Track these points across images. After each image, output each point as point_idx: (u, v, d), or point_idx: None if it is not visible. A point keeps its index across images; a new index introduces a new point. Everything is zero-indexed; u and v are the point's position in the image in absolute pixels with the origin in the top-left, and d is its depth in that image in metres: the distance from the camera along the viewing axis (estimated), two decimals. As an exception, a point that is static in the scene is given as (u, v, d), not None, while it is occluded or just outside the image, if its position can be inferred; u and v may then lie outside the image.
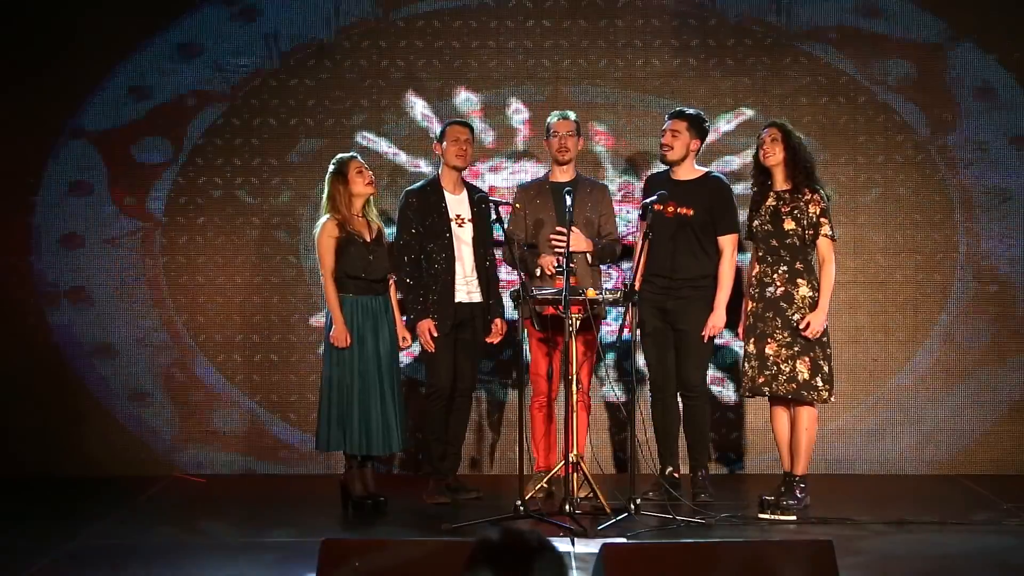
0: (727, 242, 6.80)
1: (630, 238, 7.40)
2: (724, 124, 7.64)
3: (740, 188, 7.24)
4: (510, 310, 7.09)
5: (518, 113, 7.73)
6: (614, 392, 7.46)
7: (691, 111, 6.90)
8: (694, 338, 6.76)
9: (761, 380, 6.41)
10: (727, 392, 7.64)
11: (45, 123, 7.70)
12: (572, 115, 6.98)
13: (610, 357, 7.58)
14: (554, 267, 6.67)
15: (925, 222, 7.68)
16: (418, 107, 7.73)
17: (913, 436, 7.66)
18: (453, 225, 6.81)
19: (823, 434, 7.34)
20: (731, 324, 6.93)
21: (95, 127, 7.70)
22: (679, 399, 6.93)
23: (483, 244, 6.89)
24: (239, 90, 7.74)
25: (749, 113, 7.64)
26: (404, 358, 7.21)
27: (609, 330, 7.46)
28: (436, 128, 7.35)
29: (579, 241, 6.73)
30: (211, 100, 7.72)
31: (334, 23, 7.75)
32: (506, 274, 7.33)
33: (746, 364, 6.51)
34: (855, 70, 7.68)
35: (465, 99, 7.73)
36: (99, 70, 7.70)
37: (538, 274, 6.85)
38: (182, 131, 7.74)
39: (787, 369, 6.37)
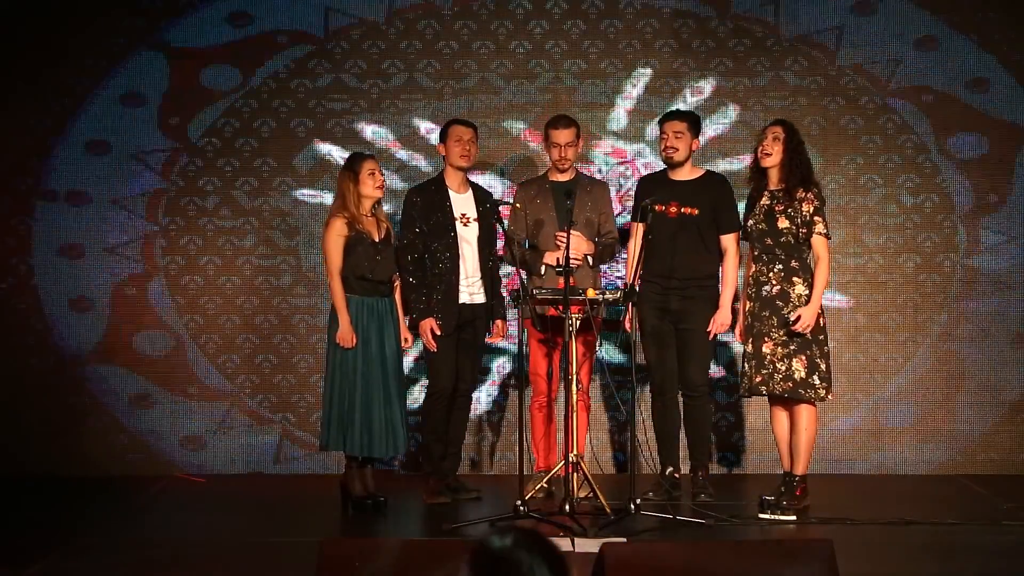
0: (730, 240, 6.80)
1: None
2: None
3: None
4: (511, 310, 7.09)
5: (518, 114, 7.74)
6: (611, 389, 7.45)
7: (688, 111, 6.91)
8: (698, 338, 6.76)
9: (758, 379, 6.41)
10: (726, 392, 7.64)
11: (40, 129, 7.72)
12: (572, 120, 6.94)
13: (608, 352, 7.58)
14: (556, 261, 6.67)
15: (925, 222, 7.68)
16: (420, 108, 7.74)
17: (913, 436, 7.66)
18: (458, 224, 6.79)
19: (823, 434, 7.34)
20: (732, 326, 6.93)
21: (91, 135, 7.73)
22: (680, 399, 6.93)
23: (488, 244, 6.88)
24: (238, 91, 7.74)
25: (705, 86, 7.63)
26: (408, 361, 7.21)
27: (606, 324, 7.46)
28: (436, 128, 7.35)
29: (580, 244, 6.72)
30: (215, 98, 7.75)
31: (334, 22, 7.75)
32: (505, 273, 7.32)
33: (745, 364, 6.51)
34: (855, 70, 7.68)
35: (465, 99, 7.73)
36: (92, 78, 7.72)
37: (542, 272, 6.83)
38: (183, 131, 7.75)
39: (783, 368, 6.37)
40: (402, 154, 7.75)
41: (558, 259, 6.59)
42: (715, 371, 7.51)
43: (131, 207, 7.74)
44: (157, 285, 7.74)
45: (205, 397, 7.73)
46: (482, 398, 7.66)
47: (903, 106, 7.67)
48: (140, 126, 7.73)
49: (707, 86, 7.70)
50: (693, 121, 6.83)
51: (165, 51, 7.71)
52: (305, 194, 7.74)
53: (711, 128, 7.65)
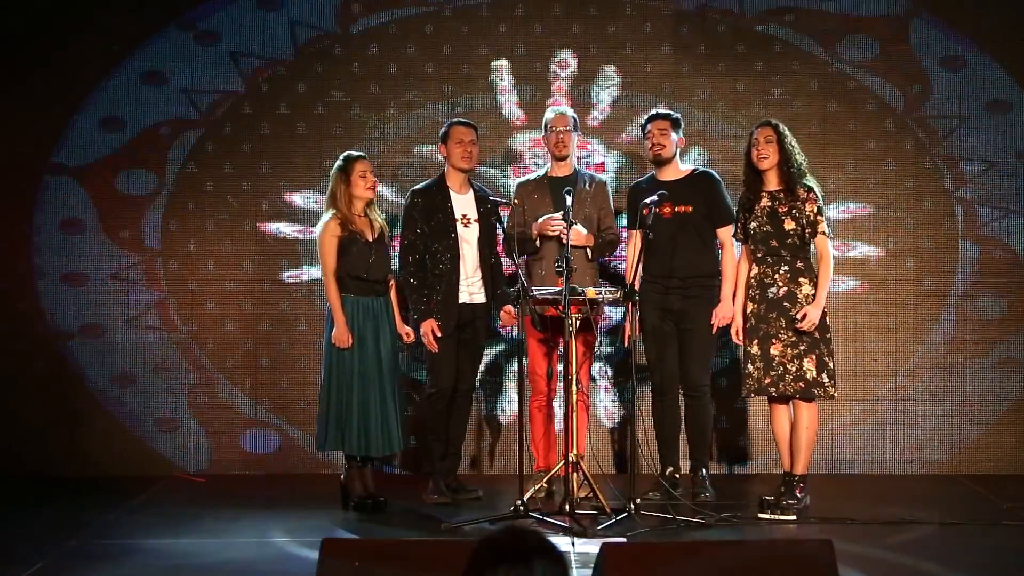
0: (726, 233, 6.80)
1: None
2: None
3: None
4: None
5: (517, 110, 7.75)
6: (614, 391, 7.46)
7: (668, 111, 6.93)
8: (701, 337, 6.76)
9: (767, 381, 6.40)
10: (727, 392, 7.64)
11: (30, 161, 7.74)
12: (569, 111, 7.02)
13: (608, 350, 7.58)
14: (552, 226, 6.66)
15: (925, 222, 7.68)
16: (420, 107, 7.75)
17: (913, 436, 7.66)
18: (459, 225, 6.80)
19: (823, 434, 7.35)
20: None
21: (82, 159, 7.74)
22: (681, 398, 6.93)
23: (488, 244, 6.89)
24: (238, 91, 7.75)
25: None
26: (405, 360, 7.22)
27: (606, 326, 7.45)
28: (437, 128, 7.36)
29: (579, 236, 6.73)
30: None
31: (339, 22, 7.75)
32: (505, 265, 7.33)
33: (750, 365, 6.49)
34: (856, 70, 7.68)
35: (464, 99, 7.73)
36: (74, 99, 7.72)
37: (542, 273, 6.85)
38: (183, 132, 7.76)
39: (794, 368, 6.37)
40: (402, 154, 7.75)
41: (552, 225, 6.59)
42: (716, 370, 7.51)
43: (130, 211, 7.74)
44: (157, 286, 7.74)
45: (205, 396, 7.73)
46: (482, 398, 7.66)
47: (903, 106, 7.66)
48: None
49: (707, 86, 7.71)
50: (675, 121, 6.86)
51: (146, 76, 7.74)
52: (304, 195, 7.74)
53: (713, 128, 7.66)
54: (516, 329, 6.76)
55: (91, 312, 7.72)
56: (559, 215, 6.61)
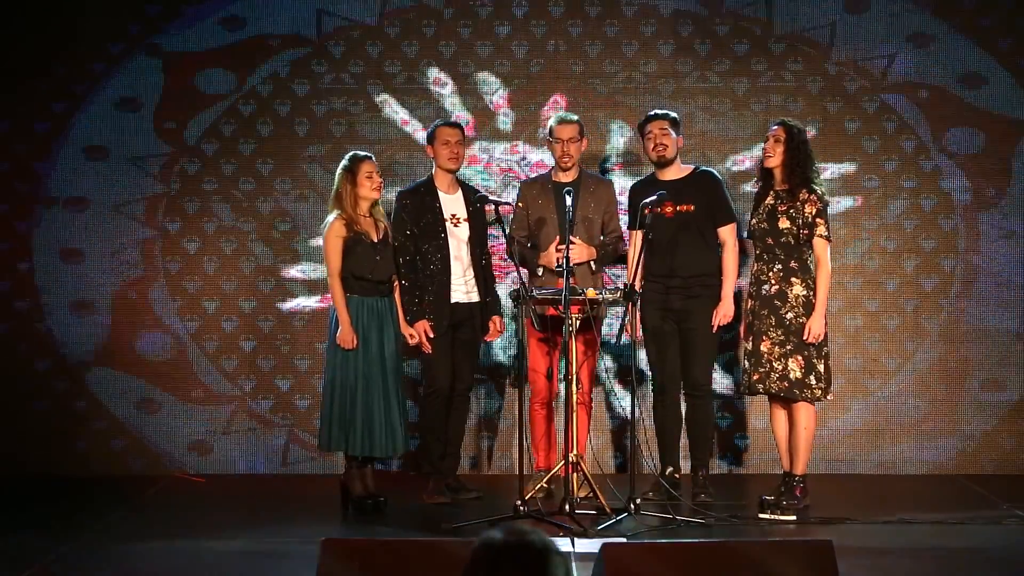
0: (727, 232, 6.80)
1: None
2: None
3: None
4: (511, 309, 7.10)
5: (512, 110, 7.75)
6: (614, 391, 7.45)
7: (667, 111, 6.92)
8: (702, 337, 6.76)
9: (756, 377, 6.42)
10: (726, 392, 7.64)
11: (40, 134, 7.74)
12: (574, 117, 6.94)
13: (610, 357, 7.58)
14: (555, 262, 6.67)
15: (925, 222, 7.68)
16: (420, 107, 7.74)
17: (913, 436, 7.66)
18: (448, 225, 6.80)
19: (823, 434, 7.35)
20: (733, 322, 6.92)
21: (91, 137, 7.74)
22: (683, 398, 6.93)
23: (480, 243, 6.89)
24: (238, 91, 7.74)
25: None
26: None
27: (608, 332, 7.45)
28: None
29: (581, 252, 6.73)
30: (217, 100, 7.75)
31: (330, 23, 7.75)
32: (499, 260, 7.32)
33: (746, 362, 6.52)
34: (855, 70, 7.68)
35: (464, 99, 7.74)
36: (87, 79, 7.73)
37: (540, 273, 6.84)
38: (179, 134, 7.75)
39: (779, 367, 6.37)
40: (401, 154, 7.75)
41: (557, 259, 6.60)
42: (717, 370, 7.51)
43: (130, 213, 7.74)
44: (157, 286, 7.74)
45: (205, 397, 7.73)
46: (482, 398, 7.66)
47: (904, 105, 7.66)
48: (136, 131, 7.72)
49: (707, 86, 7.71)
50: (674, 121, 6.85)
51: (159, 55, 7.72)
52: (304, 194, 7.74)
53: (712, 129, 7.67)
54: (516, 329, 6.75)
55: (91, 312, 7.72)
56: (558, 251, 6.60)
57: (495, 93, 7.74)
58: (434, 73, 7.73)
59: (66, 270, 7.72)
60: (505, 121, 7.74)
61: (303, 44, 7.74)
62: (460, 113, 7.66)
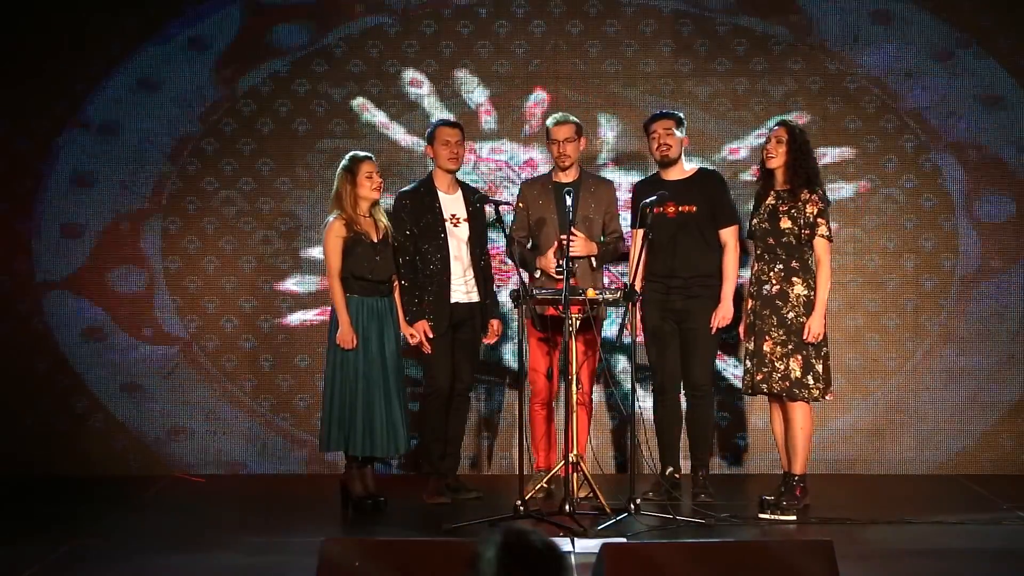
0: (729, 234, 6.80)
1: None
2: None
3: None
4: (511, 309, 7.10)
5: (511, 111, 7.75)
6: (613, 392, 7.45)
7: (671, 111, 6.93)
8: (703, 337, 6.76)
9: (759, 377, 6.42)
10: (727, 391, 7.64)
11: (46, 117, 7.74)
12: (572, 118, 6.94)
13: (609, 355, 7.58)
14: (554, 269, 6.68)
15: (925, 222, 7.68)
16: (420, 107, 7.75)
17: (913, 436, 7.66)
18: (448, 225, 6.80)
19: (823, 434, 7.35)
20: (735, 322, 6.92)
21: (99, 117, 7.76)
22: (683, 398, 6.93)
23: (479, 243, 6.89)
24: (238, 90, 7.75)
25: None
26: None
27: (609, 331, 7.45)
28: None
29: (582, 245, 6.72)
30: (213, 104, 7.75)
31: (334, 23, 7.76)
32: (499, 264, 7.32)
33: (747, 362, 6.52)
34: (855, 70, 7.68)
35: (464, 99, 7.74)
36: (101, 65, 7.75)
37: (538, 275, 6.85)
38: (181, 130, 7.76)
39: (780, 367, 6.38)
40: (401, 154, 7.75)
41: (558, 262, 6.59)
42: (728, 363, 7.51)
43: (130, 213, 7.76)
44: (158, 286, 7.74)
45: (205, 397, 7.73)
46: (482, 398, 7.67)
47: (903, 105, 7.67)
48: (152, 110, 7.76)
49: (707, 86, 7.71)
50: (679, 120, 6.85)
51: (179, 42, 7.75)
52: (305, 194, 7.75)
53: (713, 128, 7.67)
54: (516, 329, 6.75)
55: (91, 312, 7.72)
56: (555, 259, 6.60)
57: (495, 93, 7.74)
58: (432, 73, 7.73)
59: (66, 271, 7.73)
60: (505, 121, 7.74)
61: (307, 42, 7.74)
62: (472, 106, 7.67)
